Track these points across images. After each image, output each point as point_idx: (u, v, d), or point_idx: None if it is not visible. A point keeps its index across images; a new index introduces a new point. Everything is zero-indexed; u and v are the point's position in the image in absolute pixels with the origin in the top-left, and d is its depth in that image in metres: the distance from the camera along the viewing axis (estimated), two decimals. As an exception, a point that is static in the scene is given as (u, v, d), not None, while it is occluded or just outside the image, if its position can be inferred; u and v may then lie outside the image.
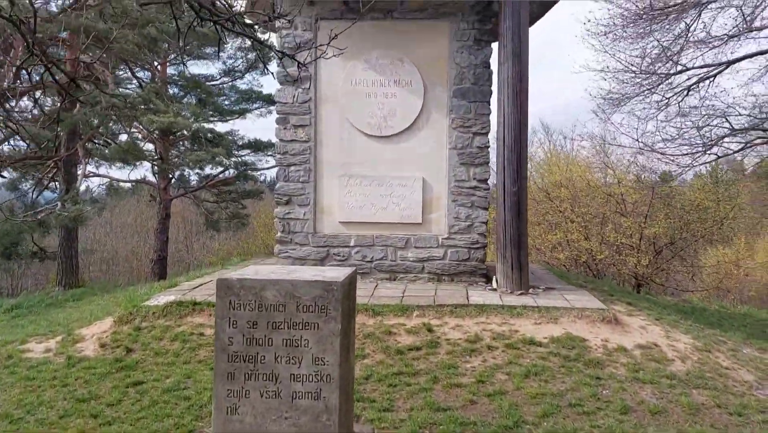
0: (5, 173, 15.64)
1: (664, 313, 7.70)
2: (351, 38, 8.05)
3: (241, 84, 22.71)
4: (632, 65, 15.10)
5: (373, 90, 8.12)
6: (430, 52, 8.07)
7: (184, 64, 18.84)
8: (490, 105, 8.03)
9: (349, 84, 8.15)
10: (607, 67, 15.65)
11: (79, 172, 14.87)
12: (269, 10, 8.49)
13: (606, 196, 15.40)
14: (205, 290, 7.44)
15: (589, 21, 14.02)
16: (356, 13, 8.10)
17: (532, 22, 8.38)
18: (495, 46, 8.06)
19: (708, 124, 14.69)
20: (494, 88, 7.91)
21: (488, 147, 8.06)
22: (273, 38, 13.63)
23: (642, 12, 12.69)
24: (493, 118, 7.87)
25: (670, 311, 8.48)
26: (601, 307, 6.77)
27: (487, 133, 8.04)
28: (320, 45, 3.70)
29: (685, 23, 12.85)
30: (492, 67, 8.05)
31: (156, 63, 21.21)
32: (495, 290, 7.57)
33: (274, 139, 8.34)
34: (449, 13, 8.00)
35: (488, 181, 8.17)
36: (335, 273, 3.25)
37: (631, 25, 13.78)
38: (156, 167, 20.66)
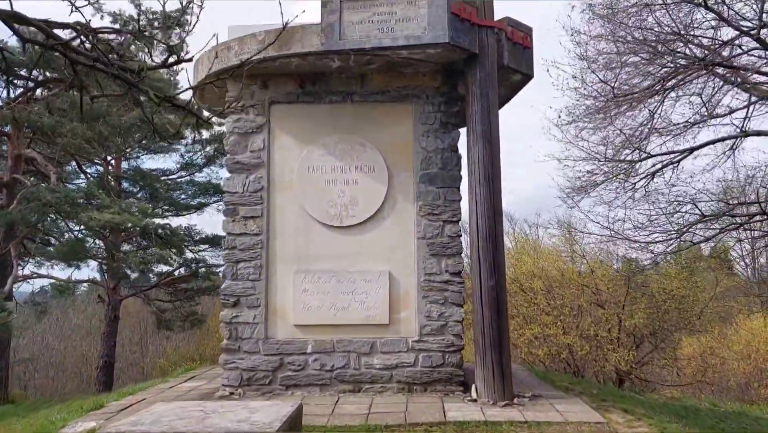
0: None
1: (663, 419, 6.77)
2: (308, 122, 7.46)
3: (200, 177, 21.99)
4: (596, 153, 14.96)
5: (332, 177, 7.39)
6: (394, 136, 7.46)
7: (122, 157, 18.11)
8: (460, 191, 7.37)
9: (305, 170, 7.42)
10: (567, 156, 15.48)
11: (12, 274, 13.57)
12: (218, 97, 7.85)
13: (580, 286, 14.74)
14: (134, 413, 6.23)
15: (557, 112, 13.87)
16: (313, 96, 7.51)
17: (500, 105, 7.90)
18: (463, 130, 7.52)
19: (678, 211, 14.43)
20: (464, 173, 7.29)
21: (460, 236, 7.31)
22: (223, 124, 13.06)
23: (606, 99, 12.57)
24: (464, 204, 7.19)
25: (666, 414, 7.55)
26: (599, 420, 5.82)
27: (458, 221, 7.31)
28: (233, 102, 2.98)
29: (649, 111, 12.76)
30: (461, 152, 7.46)
31: (110, 157, 20.45)
32: (475, 400, 6.56)
33: (223, 233, 7.45)
34: (413, 95, 7.48)
35: (462, 274, 7.35)
36: (269, 414, 2.30)
37: (595, 114, 13.69)
38: (104, 266, 19.40)
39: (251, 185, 7.40)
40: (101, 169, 20.43)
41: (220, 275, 7.44)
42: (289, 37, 6.89)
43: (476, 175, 6.86)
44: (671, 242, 14.66)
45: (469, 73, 7.02)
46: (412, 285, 7.22)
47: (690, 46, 12.47)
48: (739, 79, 13.63)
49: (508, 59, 7.22)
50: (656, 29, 12.88)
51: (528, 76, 7.59)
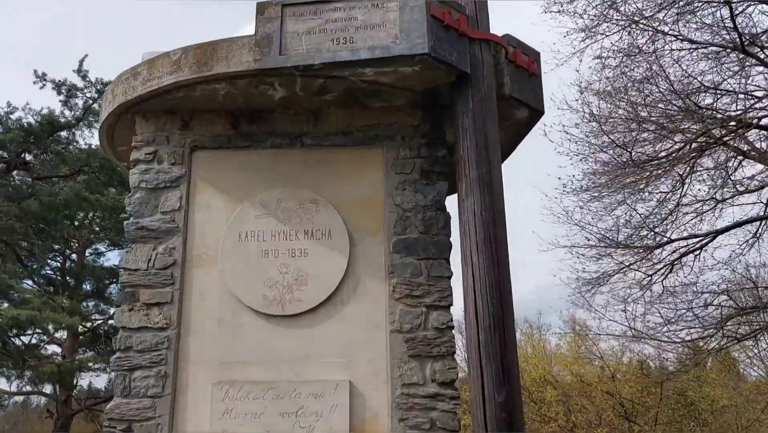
0: None
1: None
2: (242, 173, 5.50)
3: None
4: (609, 238, 13.02)
5: (272, 246, 5.32)
6: (358, 190, 5.46)
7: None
8: (450, 263, 5.28)
9: (236, 238, 5.35)
10: (575, 244, 13.48)
11: None
12: (130, 143, 5.90)
13: (603, 394, 12.26)
14: None
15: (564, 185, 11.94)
16: (250, 138, 5.59)
17: (502, 155, 5.97)
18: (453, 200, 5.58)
19: (711, 303, 12.28)
20: (455, 239, 5.23)
21: (452, 328, 5.12)
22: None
23: (623, 167, 10.77)
24: (457, 282, 5.07)
25: None
26: None
27: (449, 307, 5.15)
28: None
29: (679, 175, 10.88)
30: (449, 211, 5.45)
31: (69, 250, 18.49)
32: None
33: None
34: (384, 136, 5.57)
35: (456, 384, 5.10)
36: None
37: (608, 186, 11.88)
38: (51, 375, 16.85)
39: (159, 260, 5.30)
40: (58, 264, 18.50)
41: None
42: (211, 55, 5.06)
43: (471, 239, 4.79)
44: (707, 339, 12.40)
45: (459, 100, 5.13)
46: (382, 402, 4.93)
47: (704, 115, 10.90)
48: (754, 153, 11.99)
49: (511, 87, 5.36)
50: (661, 106, 11.39)
51: (537, 112, 5.71)
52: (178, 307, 5.18)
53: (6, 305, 11.15)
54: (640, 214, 12.53)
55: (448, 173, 5.51)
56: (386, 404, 4.93)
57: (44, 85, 12.81)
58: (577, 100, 11.19)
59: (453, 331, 5.15)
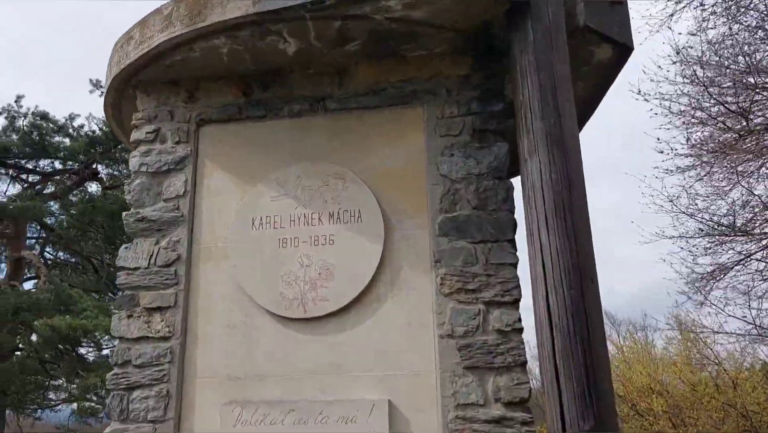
0: None
1: None
2: (255, 148, 4.56)
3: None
4: (724, 225, 11.15)
5: (291, 233, 4.34)
6: (393, 160, 4.38)
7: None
8: (514, 246, 4.08)
9: (248, 225, 4.42)
10: (682, 234, 11.61)
11: None
12: (135, 118, 5.10)
13: (722, 405, 10.43)
14: None
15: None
16: (264, 107, 4.65)
17: (581, 115, 4.69)
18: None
19: None
20: (519, 215, 4.03)
21: (520, 330, 3.91)
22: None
23: (734, 140, 9.00)
24: (523, 270, 3.87)
25: None
26: None
27: (515, 303, 3.95)
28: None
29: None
30: (510, 180, 4.26)
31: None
32: None
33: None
34: (425, 92, 4.45)
35: (528, 404, 3.89)
36: None
37: (717, 166, 10.10)
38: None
39: (161, 255, 4.45)
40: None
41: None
42: (205, 3, 4.16)
43: (539, 211, 3.58)
44: None
45: (516, 36, 3.94)
46: (431, 427, 3.80)
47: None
48: None
49: (586, 16, 4.11)
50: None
51: (625, 49, 4.40)
52: (183, 312, 4.30)
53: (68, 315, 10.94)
54: (758, 196, 10.65)
55: (506, 132, 4.32)
56: (436, 430, 3.80)
57: (102, 93, 12.60)
58: (674, 62, 9.51)
59: (522, 334, 3.95)
